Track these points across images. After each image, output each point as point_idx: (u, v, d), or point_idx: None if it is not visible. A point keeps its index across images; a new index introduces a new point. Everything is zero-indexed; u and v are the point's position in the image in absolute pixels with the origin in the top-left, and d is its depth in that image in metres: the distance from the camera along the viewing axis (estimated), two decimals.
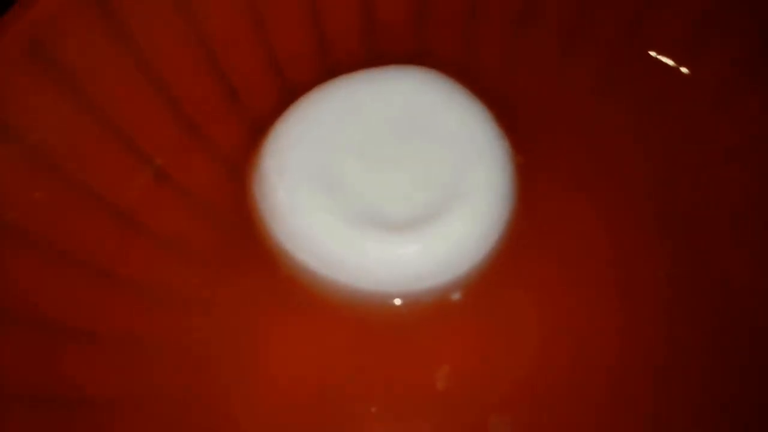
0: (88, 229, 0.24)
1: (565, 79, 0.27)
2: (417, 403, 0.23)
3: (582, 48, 0.28)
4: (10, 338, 0.22)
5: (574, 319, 0.24)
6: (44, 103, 0.23)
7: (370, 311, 0.24)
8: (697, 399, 0.22)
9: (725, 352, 0.23)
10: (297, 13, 0.27)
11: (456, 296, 0.24)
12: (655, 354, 0.23)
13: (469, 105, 0.25)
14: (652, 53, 0.27)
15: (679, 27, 0.26)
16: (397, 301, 0.24)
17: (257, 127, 0.26)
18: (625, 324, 0.23)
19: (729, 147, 0.25)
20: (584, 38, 0.27)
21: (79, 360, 0.23)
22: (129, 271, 0.24)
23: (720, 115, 0.26)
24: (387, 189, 0.24)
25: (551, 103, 0.27)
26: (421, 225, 0.23)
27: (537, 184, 0.25)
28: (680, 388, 0.22)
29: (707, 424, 0.22)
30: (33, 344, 0.22)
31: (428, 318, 0.24)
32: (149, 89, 0.25)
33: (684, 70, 0.27)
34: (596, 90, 0.27)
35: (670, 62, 0.27)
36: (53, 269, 0.23)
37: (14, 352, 0.21)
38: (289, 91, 0.26)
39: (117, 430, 0.22)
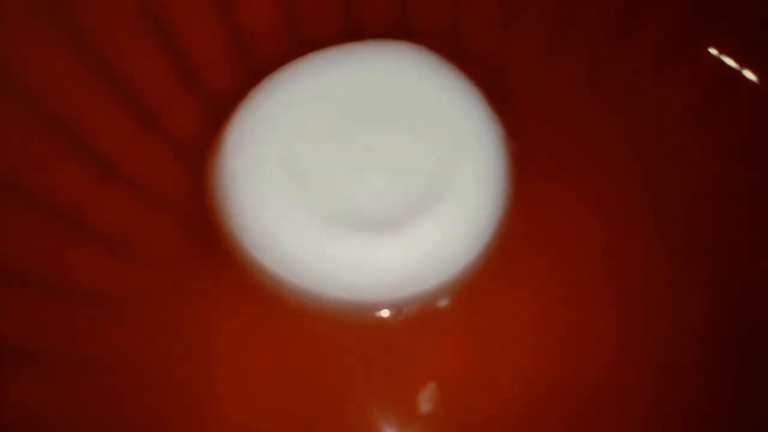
0: (23, 231, 0.21)
1: (564, 56, 0.25)
2: (397, 422, 0.21)
3: (583, 23, 0.25)
4: None
5: (572, 327, 0.22)
6: None
7: (346, 323, 0.22)
8: (696, 400, 0.21)
9: (724, 350, 0.21)
10: None
11: (443, 303, 0.22)
12: (653, 366, 0.21)
13: (457, 85, 0.23)
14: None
15: (679, 10, 0.24)
16: (377, 311, 0.22)
17: (218, 113, 0.23)
18: (624, 335, 0.22)
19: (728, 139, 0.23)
20: (584, 13, 0.25)
21: None
22: (73, 280, 0.22)
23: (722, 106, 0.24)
24: (363, 183, 0.21)
25: (548, 84, 0.24)
26: (403, 224, 0.21)
27: (533, 175, 0.23)
28: (680, 390, 0.21)
29: (707, 425, 0.21)
30: None
31: (412, 329, 0.22)
32: (91, 71, 0.23)
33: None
34: (596, 69, 0.25)
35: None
36: None
37: None
38: (254, 72, 0.24)
39: None
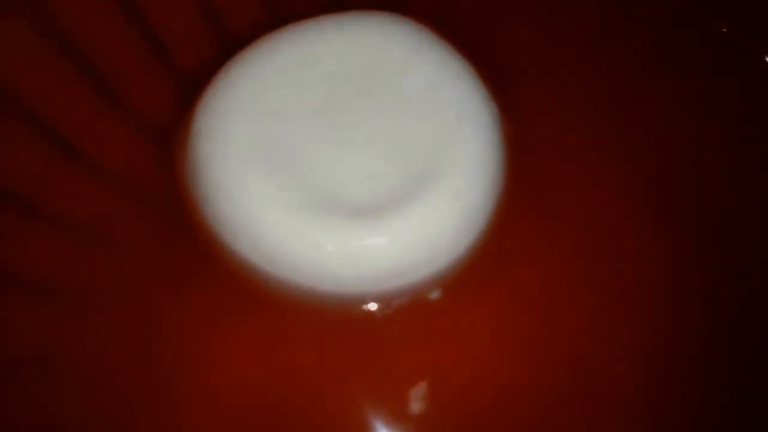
0: None
1: (562, 32, 0.23)
2: (387, 421, 0.20)
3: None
4: None
5: (572, 320, 0.21)
6: None
7: (331, 317, 0.20)
8: (694, 401, 0.20)
9: (723, 348, 0.21)
10: None
11: (435, 295, 0.21)
12: (649, 361, 0.21)
13: (447, 59, 0.21)
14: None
15: None
16: (364, 304, 0.20)
17: (189, 90, 0.22)
18: (621, 326, 0.21)
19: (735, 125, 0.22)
20: None
21: None
22: (34, 272, 0.20)
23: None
24: (347, 166, 0.20)
25: (546, 59, 0.23)
26: (390, 211, 0.20)
27: (530, 158, 0.21)
28: (677, 390, 0.20)
29: (707, 426, 0.20)
30: None
31: (402, 323, 0.20)
32: (50, 44, 0.21)
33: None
34: (599, 43, 0.23)
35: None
36: None
37: None
38: (228, 45, 0.22)
39: None
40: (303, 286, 0.20)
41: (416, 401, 0.20)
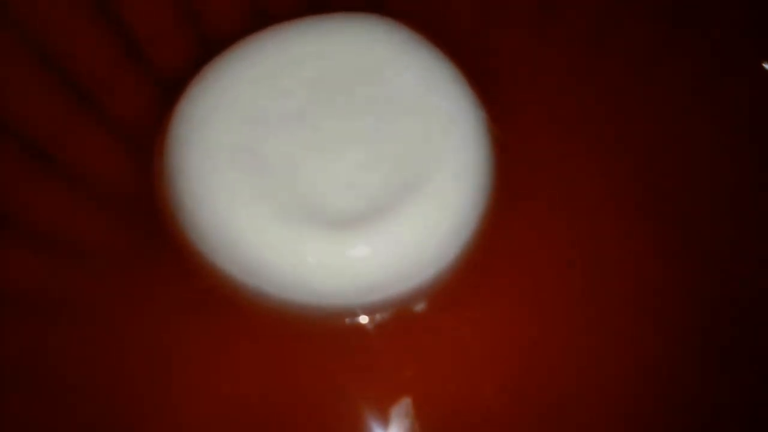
0: None
1: (553, 33, 0.23)
2: None
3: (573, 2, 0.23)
4: None
5: (560, 331, 0.20)
6: None
7: (313, 330, 0.20)
8: (687, 404, 0.20)
9: (716, 349, 0.20)
10: None
11: (420, 308, 0.20)
12: (642, 369, 0.20)
13: (434, 63, 0.21)
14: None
15: None
16: (348, 317, 0.20)
17: (166, 93, 0.21)
18: (611, 337, 0.20)
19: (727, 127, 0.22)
20: None
21: None
22: (10, 283, 0.20)
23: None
24: (329, 174, 0.19)
25: (536, 63, 0.22)
26: (373, 221, 0.19)
27: (519, 166, 0.21)
28: (669, 394, 0.20)
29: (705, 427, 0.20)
30: None
31: (386, 336, 0.20)
32: (22, 45, 0.20)
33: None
34: (589, 46, 0.23)
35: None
36: None
37: None
38: (206, 47, 0.22)
39: None
40: (283, 298, 0.19)
41: (401, 415, 0.19)
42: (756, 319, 0.20)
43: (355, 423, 0.19)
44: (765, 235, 0.21)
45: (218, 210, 0.19)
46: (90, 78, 0.21)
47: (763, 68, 0.22)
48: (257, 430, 0.19)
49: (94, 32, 0.21)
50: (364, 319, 0.20)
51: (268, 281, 0.19)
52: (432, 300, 0.20)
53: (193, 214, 0.19)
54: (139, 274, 0.20)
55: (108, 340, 0.20)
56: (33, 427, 0.19)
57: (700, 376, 0.20)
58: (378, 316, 0.20)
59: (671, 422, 0.20)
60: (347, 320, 0.20)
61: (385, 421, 0.19)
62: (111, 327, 0.20)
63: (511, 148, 0.21)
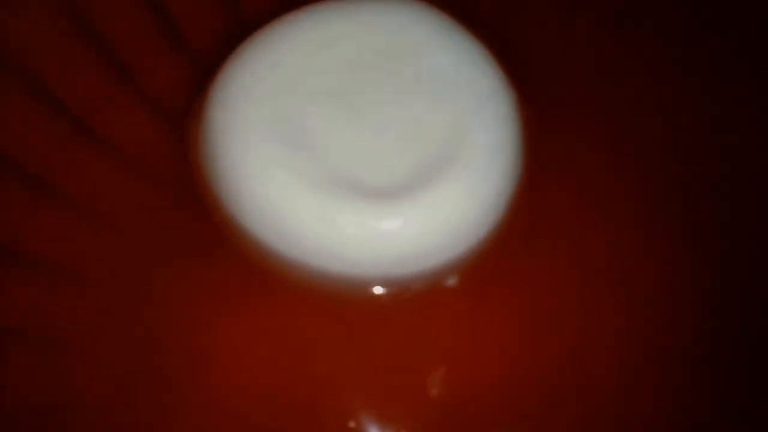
0: None
1: (582, 18, 0.23)
2: (405, 413, 0.19)
3: None
4: None
5: (590, 311, 0.20)
6: None
7: (346, 301, 0.20)
8: (703, 400, 0.20)
9: (727, 350, 0.20)
10: None
11: (451, 282, 0.20)
12: (664, 358, 0.20)
13: (466, 45, 0.21)
14: None
15: None
16: (379, 289, 0.20)
17: (203, 70, 0.21)
18: (640, 322, 0.20)
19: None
20: None
21: None
22: (40, 249, 0.20)
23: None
24: (364, 149, 0.20)
25: (565, 44, 0.22)
26: (407, 194, 0.19)
27: (549, 146, 0.21)
28: (686, 389, 0.20)
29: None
30: None
31: (417, 309, 0.20)
32: (62, 22, 0.21)
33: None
34: (618, 33, 0.23)
35: None
36: None
37: None
38: (243, 26, 0.22)
39: None
40: (318, 268, 0.19)
41: (430, 386, 0.20)
42: (763, 321, 0.20)
43: (386, 388, 0.19)
44: None
45: (256, 181, 0.19)
46: (131, 54, 0.21)
47: None
48: (288, 401, 0.19)
49: (135, 11, 0.22)
50: (396, 290, 0.20)
51: (305, 250, 0.19)
52: (462, 275, 0.20)
53: (231, 185, 0.20)
54: (173, 243, 0.20)
55: (140, 306, 0.20)
56: (52, 389, 0.19)
57: (710, 373, 0.20)
58: (410, 288, 0.20)
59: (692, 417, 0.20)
60: (379, 290, 0.20)
61: (415, 386, 0.19)
62: (144, 293, 0.20)
63: (540, 128, 0.21)
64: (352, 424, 0.19)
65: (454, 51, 0.21)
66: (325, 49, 0.21)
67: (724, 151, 0.21)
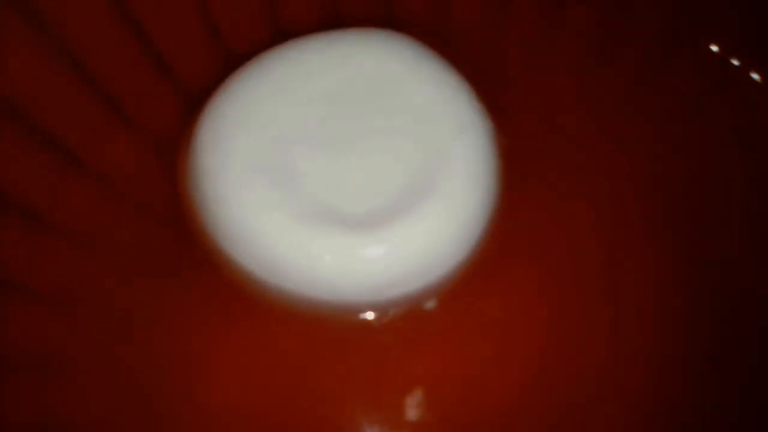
0: None
1: (557, 47, 0.24)
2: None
3: (578, 14, 0.24)
4: None
5: (565, 330, 0.21)
6: None
7: (329, 326, 0.20)
8: (692, 403, 0.20)
9: (722, 354, 0.21)
10: None
11: (430, 305, 0.21)
12: (645, 367, 0.21)
13: (444, 75, 0.22)
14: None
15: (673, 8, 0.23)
16: (362, 314, 0.21)
17: (192, 102, 0.22)
18: (616, 338, 0.21)
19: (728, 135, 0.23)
20: (579, 5, 0.24)
21: None
22: (36, 279, 0.20)
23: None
24: (346, 178, 0.20)
25: (541, 77, 0.23)
26: (387, 222, 0.20)
27: (524, 173, 0.22)
28: (675, 394, 0.20)
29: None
30: None
31: (398, 332, 0.20)
32: (55, 57, 0.21)
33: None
34: (592, 60, 0.24)
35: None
36: None
37: None
38: (230, 60, 0.22)
39: None
40: (301, 295, 0.20)
41: (412, 410, 0.20)
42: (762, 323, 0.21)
43: (368, 412, 0.20)
44: None
45: (240, 211, 0.20)
46: (122, 88, 0.22)
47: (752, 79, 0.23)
48: (273, 423, 0.20)
49: (126, 46, 0.22)
50: (377, 315, 0.20)
51: (288, 278, 0.20)
52: (441, 299, 0.21)
53: (216, 213, 0.20)
54: (161, 269, 0.21)
55: (129, 330, 0.20)
56: (46, 409, 0.19)
57: (719, 380, 0.20)
58: (390, 312, 0.20)
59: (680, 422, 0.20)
60: (361, 315, 0.20)
61: (397, 410, 0.20)
62: (133, 318, 0.20)
63: (517, 156, 0.21)
64: None
65: (433, 82, 0.21)
66: (307, 83, 0.21)
67: (706, 179, 0.22)
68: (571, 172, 0.22)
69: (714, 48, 0.23)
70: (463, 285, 0.21)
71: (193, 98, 0.22)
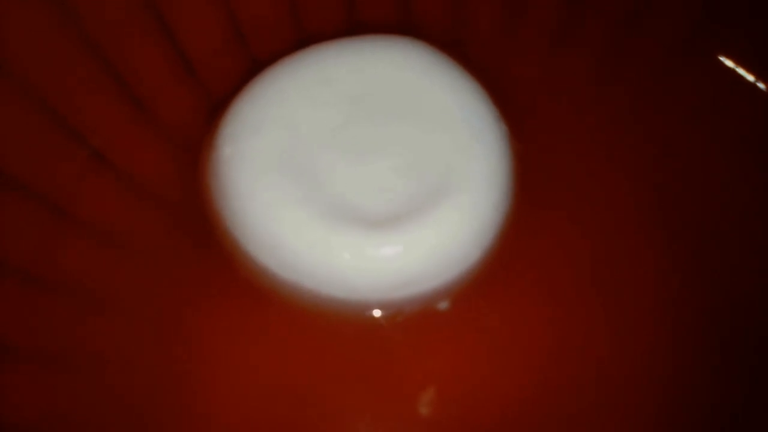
0: (7, 220, 0.20)
1: (571, 55, 0.24)
2: (395, 430, 0.20)
3: (591, 22, 0.24)
4: None
5: (576, 331, 0.21)
6: None
7: (343, 323, 0.21)
8: (692, 406, 0.20)
9: (724, 360, 0.21)
10: None
11: (443, 305, 0.21)
12: (650, 369, 0.21)
13: (461, 82, 0.22)
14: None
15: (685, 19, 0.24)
16: (376, 312, 0.21)
17: (215, 104, 0.23)
18: (623, 339, 0.21)
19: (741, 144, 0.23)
20: (592, 11, 0.24)
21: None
22: (60, 273, 0.21)
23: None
24: (364, 179, 0.21)
25: (555, 83, 0.24)
26: (404, 222, 0.20)
27: (538, 177, 0.22)
28: (676, 396, 0.20)
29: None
30: None
31: (411, 331, 0.21)
32: (84, 58, 0.22)
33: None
34: (605, 68, 0.24)
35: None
36: None
37: None
38: (254, 64, 0.23)
39: None
40: (318, 293, 0.20)
41: (423, 408, 0.20)
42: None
43: (379, 410, 0.20)
44: None
45: (259, 209, 0.20)
46: (147, 88, 0.23)
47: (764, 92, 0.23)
48: (284, 418, 0.20)
49: (153, 48, 0.23)
50: (391, 314, 0.21)
51: (304, 275, 0.20)
52: (454, 299, 0.21)
53: (237, 212, 0.21)
54: (183, 267, 0.21)
55: (149, 327, 0.21)
56: (63, 406, 0.20)
57: (720, 384, 0.20)
58: (404, 312, 0.21)
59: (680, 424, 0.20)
60: (375, 314, 0.21)
61: (408, 409, 0.20)
62: (154, 315, 0.21)
63: (530, 160, 0.22)
64: None
65: (450, 88, 0.22)
66: (328, 87, 0.22)
67: (714, 189, 0.22)
68: (586, 177, 0.22)
69: (727, 61, 0.23)
70: (477, 286, 0.21)
71: (217, 100, 0.23)
